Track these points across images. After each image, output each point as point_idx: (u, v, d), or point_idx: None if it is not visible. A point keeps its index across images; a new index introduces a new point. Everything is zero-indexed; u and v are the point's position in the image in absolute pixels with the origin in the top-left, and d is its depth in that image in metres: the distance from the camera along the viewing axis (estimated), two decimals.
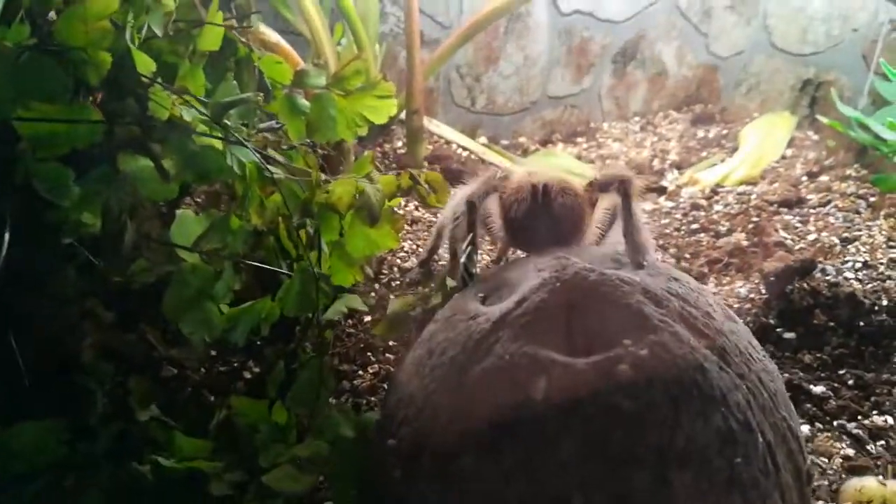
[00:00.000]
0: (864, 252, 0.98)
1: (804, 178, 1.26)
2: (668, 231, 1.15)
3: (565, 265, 0.57)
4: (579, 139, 1.64)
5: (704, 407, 0.50)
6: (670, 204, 1.23)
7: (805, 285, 0.91)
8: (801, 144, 1.42)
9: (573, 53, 1.61)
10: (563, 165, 1.49)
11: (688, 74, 1.62)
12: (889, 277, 0.93)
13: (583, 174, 1.47)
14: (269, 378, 0.75)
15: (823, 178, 1.24)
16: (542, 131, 1.70)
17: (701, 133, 1.52)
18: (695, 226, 1.15)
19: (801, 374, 0.85)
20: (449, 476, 0.51)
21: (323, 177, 0.83)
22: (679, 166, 1.45)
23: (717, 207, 1.17)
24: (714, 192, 1.23)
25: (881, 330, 0.88)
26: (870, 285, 0.92)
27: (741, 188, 1.22)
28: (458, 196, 0.88)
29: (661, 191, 1.31)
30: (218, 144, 0.74)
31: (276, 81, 0.97)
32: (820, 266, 0.94)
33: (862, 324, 0.89)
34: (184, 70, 0.81)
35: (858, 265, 0.96)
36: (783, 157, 1.37)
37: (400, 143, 1.37)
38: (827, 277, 0.92)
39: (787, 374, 0.84)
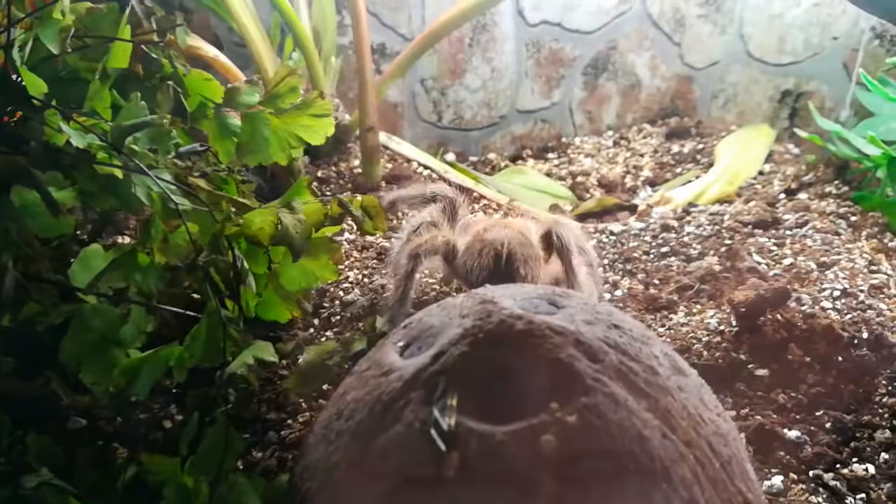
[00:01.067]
0: (844, 278, 0.91)
1: (782, 196, 1.20)
2: (636, 255, 1.09)
3: (490, 311, 0.50)
4: (550, 155, 1.57)
5: (643, 484, 0.43)
6: (640, 225, 1.16)
7: (779, 316, 0.85)
8: (781, 159, 1.36)
9: (542, 66, 1.55)
10: (532, 184, 1.43)
11: (661, 86, 1.57)
12: (870, 307, 0.87)
13: (554, 193, 1.42)
14: (182, 432, 0.68)
15: (802, 195, 1.18)
16: (513, 147, 1.64)
17: (676, 148, 1.46)
18: (665, 249, 1.08)
19: (775, 416, 0.78)
20: None
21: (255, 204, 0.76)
22: (653, 183, 1.39)
23: (689, 229, 1.11)
24: (686, 211, 1.17)
25: (861, 366, 0.81)
26: (849, 316, 0.86)
27: (714, 208, 1.16)
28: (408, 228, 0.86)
29: (632, 210, 1.25)
30: (118, 173, 0.67)
31: (207, 100, 0.91)
32: (795, 295, 0.88)
33: (840, 359, 0.82)
34: (92, 90, 0.74)
35: (837, 293, 0.89)
36: (761, 173, 1.31)
37: (357, 162, 1.30)
38: (802, 307, 0.86)
39: (759, 417, 0.77)
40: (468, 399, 0.46)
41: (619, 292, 1.02)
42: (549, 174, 1.49)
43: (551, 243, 0.84)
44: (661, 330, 0.92)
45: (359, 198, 0.77)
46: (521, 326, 0.49)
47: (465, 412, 0.45)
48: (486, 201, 1.27)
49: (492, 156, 1.62)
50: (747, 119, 1.56)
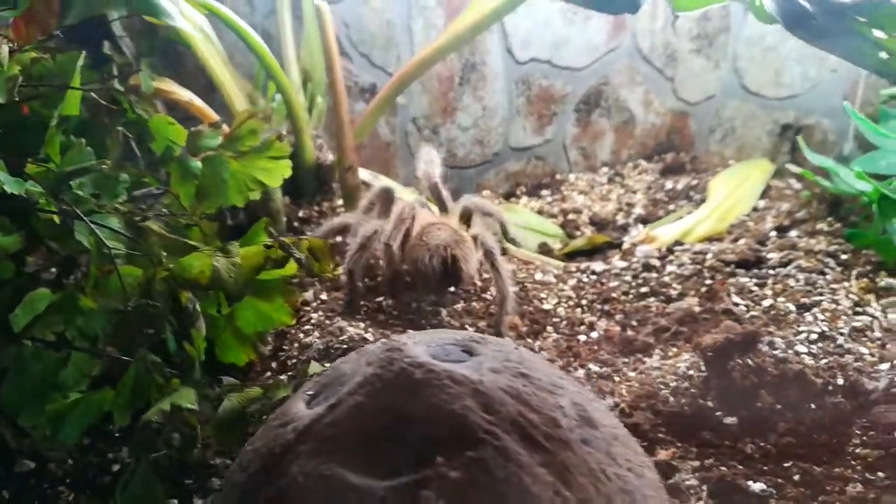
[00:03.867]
0: (823, 321, 0.88)
1: (772, 234, 1.17)
2: (615, 295, 1.07)
3: (392, 360, 0.49)
4: (544, 192, 1.57)
5: None
6: (622, 264, 1.14)
7: (749, 361, 0.82)
8: (778, 195, 1.33)
9: (533, 103, 1.55)
10: (523, 222, 1.42)
11: (656, 121, 1.55)
12: (848, 351, 0.84)
13: (545, 231, 1.41)
14: (120, 480, 0.68)
15: (793, 233, 1.15)
16: (507, 184, 1.63)
17: (670, 184, 1.44)
18: (644, 289, 1.06)
19: (740, 467, 0.75)
20: None
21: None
22: (645, 220, 1.37)
23: (671, 268, 1.08)
24: (670, 250, 1.14)
25: (835, 414, 0.78)
26: (825, 360, 0.83)
27: (699, 246, 1.13)
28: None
29: (621, 248, 1.23)
30: (56, 219, 0.69)
31: (173, 143, 0.93)
32: (768, 339, 0.85)
33: (814, 406, 0.79)
34: (48, 136, 0.77)
35: (814, 336, 0.86)
36: (755, 210, 1.28)
37: (340, 202, 1.31)
38: (775, 352, 0.83)
39: (724, 468, 0.74)
40: (357, 451, 0.45)
41: (594, 334, 1.00)
42: (540, 212, 1.48)
43: (466, 216, 1.06)
44: (632, 374, 0.90)
45: (305, 240, 0.77)
46: (420, 375, 0.48)
47: (345, 465, 0.44)
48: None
49: (486, 193, 1.62)
50: (747, 153, 1.53)
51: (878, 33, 0.63)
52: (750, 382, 0.81)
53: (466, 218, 1.07)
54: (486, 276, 1.09)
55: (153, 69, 1.21)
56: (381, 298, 1.04)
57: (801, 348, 0.84)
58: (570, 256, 1.31)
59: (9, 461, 0.75)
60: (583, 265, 1.18)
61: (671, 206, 1.38)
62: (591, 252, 1.32)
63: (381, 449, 0.45)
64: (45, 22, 1.21)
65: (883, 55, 0.62)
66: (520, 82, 1.54)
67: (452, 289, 1.05)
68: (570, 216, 1.44)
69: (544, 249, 1.34)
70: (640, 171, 1.53)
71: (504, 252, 1.21)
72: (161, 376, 0.64)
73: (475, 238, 1.01)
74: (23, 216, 0.72)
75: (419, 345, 0.52)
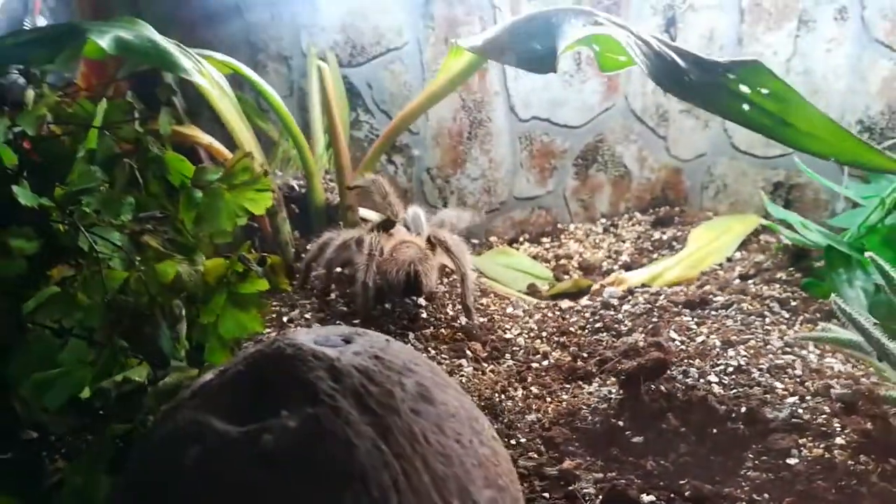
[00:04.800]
0: (744, 357, 0.92)
1: (736, 281, 1.21)
2: (573, 329, 1.14)
3: (275, 341, 0.60)
4: (544, 239, 1.65)
5: (338, 482, 0.50)
6: (587, 303, 1.21)
7: (661, 387, 0.88)
8: (758, 247, 1.37)
9: (535, 157, 1.66)
10: (515, 264, 1.51)
11: (651, 177, 1.62)
12: (759, 384, 0.88)
13: (535, 273, 1.49)
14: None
15: (753, 280, 1.19)
16: (513, 231, 1.73)
17: (657, 235, 1.50)
18: (599, 325, 1.13)
19: (638, 481, 0.80)
20: None
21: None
22: (629, 267, 1.43)
23: (626, 307, 1.15)
24: (630, 291, 1.20)
25: (734, 439, 0.82)
26: (734, 391, 0.87)
27: (655, 289, 1.19)
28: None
29: (587, 291, 1.30)
30: (62, 228, 0.84)
31: (183, 176, 1.08)
32: (683, 369, 0.90)
33: (715, 431, 0.83)
34: (76, 166, 0.93)
35: (731, 369, 0.90)
36: (729, 260, 1.32)
37: None
38: (687, 380, 0.88)
39: (623, 481, 0.80)
40: (224, 405, 0.55)
41: (546, 362, 1.07)
42: (535, 256, 1.56)
43: (434, 242, 1.19)
44: (565, 397, 0.97)
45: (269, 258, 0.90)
46: (290, 352, 0.58)
47: (215, 414, 0.54)
48: None
49: (493, 238, 1.72)
50: (740, 209, 1.57)
51: (743, 88, 0.71)
52: (659, 406, 0.86)
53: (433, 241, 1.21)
54: (458, 307, 1.18)
55: (190, 118, 1.40)
56: (356, 321, 1.15)
57: (714, 378, 0.89)
58: (555, 297, 1.38)
59: (15, 429, 0.89)
60: (552, 303, 1.25)
61: (654, 255, 1.44)
62: (576, 294, 1.39)
63: (244, 404, 0.55)
64: (110, 74, 1.42)
65: (745, 107, 0.70)
66: (523, 138, 1.65)
67: (414, 300, 1.20)
68: (562, 261, 1.52)
69: (532, 290, 1.42)
70: (634, 223, 1.59)
71: (482, 288, 1.31)
72: (127, 359, 0.76)
73: (431, 238, 1.19)
74: (41, 226, 0.88)
75: (308, 334, 0.63)
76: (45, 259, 0.89)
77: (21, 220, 0.86)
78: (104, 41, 0.98)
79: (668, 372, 0.89)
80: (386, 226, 1.25)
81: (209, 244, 1.03)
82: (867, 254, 0.89)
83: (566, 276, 1.46)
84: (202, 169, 1.06)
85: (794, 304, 1.09)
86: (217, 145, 1.25)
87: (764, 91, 0.70)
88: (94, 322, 0.86)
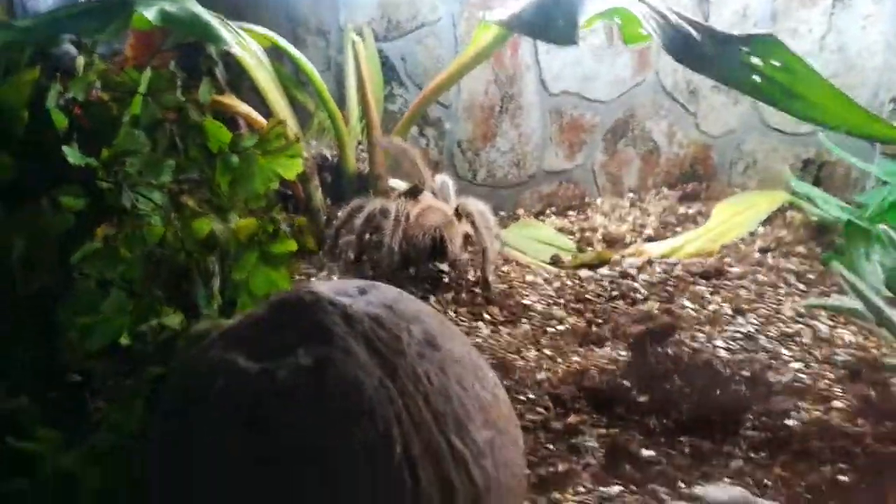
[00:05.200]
0: (754, 324, 0.94)
1: (756, 255, 1.22)
2: (589, 297, 1.17)
3: (297, 290, 0.65)
4: (571, 212, 1.67)
5: (347, 416, 0.55)
6: (606, 272, 1.24)
7: (669, 350, 0.90)
8: (781, 222, 1.37)
9: (565, 131, 1.67)
10: (539, 236, 1.54)
11: (680, 153, 1.62)
12: (766, 350, 0.90)
13: (558, 245, 1.51)
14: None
15: (773, 254, 1.20)
16: (540, 204, 1.75)
17: (682, 209, 1.51)
18: (615, 293, 1.15)
19: (640, 437, 0.83)
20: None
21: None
22: (652, 240, 1.44)
23: (643, 276, 1.17)
24: (649, 262, 1.22)
25: (735, 400, 0.84)
26: (740, 356, 0.89)
27: (672, 259, 1.21)
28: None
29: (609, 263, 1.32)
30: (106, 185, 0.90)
31: (221, 142, 1.14)
32: (691, 333, 0.93)
33: (718, 392, 0.86)
34: (122, 130, 0.99)
35: (738, 336, 0.93)
36: (751, 234, 1.33)
37: None
38: (694, 344, 0.91)
39: (625, 437, 0.83)
40: (247, 344, 0.61)
41: (561, 327, 1.11)
42: (561, 229, 1.58)
43: (461, 213, 1.22)
44: (575, 359, 1.00)
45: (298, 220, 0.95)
46: (308, 298, 0.63)
47: (240, 353, 0.60)
48: None
49: (521, 211, 1.75)
50: (770, 186, 1.57)
51: (755, 61, 0.72)
52: (664, 368, 0.89)
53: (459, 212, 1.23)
54: (477, 273, 1.22)
55: (231, 89, 1.46)
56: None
57: (720, 343, 0.91)
58: (578, 268, 1.41)
59: (63, 372, 0.96)
60: (572, 272, 1.28)
61: (678, 229, 1.45)
62: (598, 265, 1.42)
63: (266, 345, 0.60)
64: (156, 45, 1.49)
65: (756, 79, 0.72)
66: (553, 112, 1.66)
67: (437, 265, 1.24)
68: (587, 233, 1.54)
69: (555, 260, 1.44)
70: (661, 198, 1.60)
71: (502, 255, 1.34)
72: (163, 308, 0.82)
73: (458, 209, 1.22)
74: (89, 185, 0.94)
75: (327, 285, 0.67)
76: (91, 215, 0.96)
77: (70, 179, 0.93)
78: (150, 13, 1.03)
79: (677, 336, 0.92)
80: (413, 192, 1.29)
81: (243, 206, 1.09)
82: (881, 226, 0.90)
83: (589, 248, 1.48)
84: (238, 136, 1.12)
85: (810, 277, 1.10)
86: (254, 114, 1.31)
87: (776, 63, 0.71)
88: (134, 274, 0.93)
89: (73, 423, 0.91)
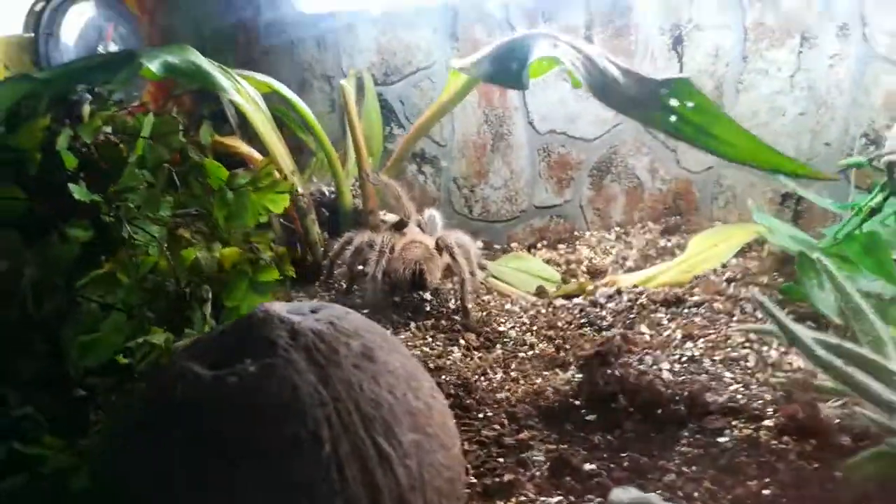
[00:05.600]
0: (701, 349, 0.99)
1: (723, 285, 1.27)
2: (560, 324, 1.23)
3: (256, 309, 0.73)
4: (561, 245, 1.74)
5: (282, 416, 0.62)
6: (578, 301, 1.30)
7: (616, 372, 0.96)
8: (754, 255, 1.42)
9: (553, 168, 1.75)
10: (525, 267, 1.60)
11: (663, 188, 1.68)
12: (707, 373, 0.95)
13: (544, 276, 1.58)
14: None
15: (736, 283, 1.25)
16: (533, 237, 1.82)
17: (663, 242, 1.56)
18: (584, 320, 1.21)
19: (584, 452, 0.89)
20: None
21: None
22: (631, 271, 1.50)
23: (611, 305, 1.23)
24: (619, 292, 1.28)
25: (674, 419, 0.89)
26: (683, 377, 0.94)
27: (639, 289, 1.26)
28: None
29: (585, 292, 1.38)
30: (108, 220, 1.00)
31: (220, 180, 1.24)
32: (639, 356, 0.98)
33: (659, 411, 0.91)
34: (127, 170, 1.10)
35: (684, 359, 0.98)
36: (724, 266, 1.38)
37: None
38: (640, 367, 0.96)
39: (571, 452, 0.89)
40: (205, 355, 0.69)
41: (531, 352, 1.17)
42: (549, 261, 1.65)
43: (440, 246, 1.31)
44: (538, 381, 1.06)
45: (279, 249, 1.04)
46: (262, 316, 0.71)
47: (198, 362, 0.68)
48: None
49: (514, 244, 1.82)
50: (749, 219, 1.61)
51: (673, 102, 0.80)
52: (612, 388, 0.95)
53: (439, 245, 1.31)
54: (457, 302, 1.29)
55: (241, 131, 1.58)
56: (365, 311, 1.28)
57: (666, 366, 0.96)
58: (561, 298, 1.47)
59: (68, 387, 1.06)
60: (548, 301, 1.34)
61: (658, 261, 1.50)
62: (579, 295, 1.47)
63: (220, 354, 0.68)
64: (171, 90, 1.62)
65: (673, 119, 0.79)
66: (541, 150, 1.75)
67: (421, 294, 1.33)
68: (572, 265, 1.60)
69: (540, 291, 1.51)
70: (645, 231, 1.66)
71: (485, 284, 1.41)
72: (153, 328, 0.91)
73: (438, 242, 1.30)
74: (95, 220, 1.05)
75: (284, 306, 0.75)
76: (97, 246, 1.06)
77: (78, 214, 1.03)
78: (154, 65, 1.14)
79: (625, 359, 0.97)
80: (399, 226, 1.37)
81: (240, 237, 1.19)
82: (815, 256, 0.95)
83: (573, 280, 1.54)
84: (234, 174, 1.22)
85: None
86: (255, 154, 1.41)
87: (690, 104, 0.78)
88: (133, 299, 1.02)
89: (76, 432, 1.00)
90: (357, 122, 1.46)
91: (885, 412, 0.76)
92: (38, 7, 1.42)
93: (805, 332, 0.79)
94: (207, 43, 1.85)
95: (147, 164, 1.14)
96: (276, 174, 1.15)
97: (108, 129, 1.11)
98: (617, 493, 0.65)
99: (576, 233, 1.77)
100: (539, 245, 1.78)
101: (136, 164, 1.12)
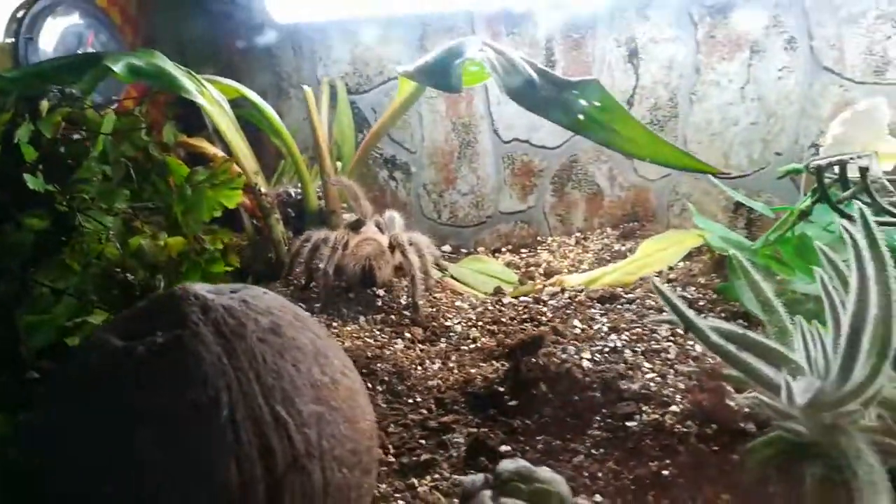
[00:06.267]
0: (623, 340, 1.02)
1: (665, 284, 1.30)
2: (504, 319, 1.26)
3: (173, 288, 0.77)
4: (524, 250, 1.77)
5: (185, 382, 0.65)
6: (525, 299, 1.33)
7: (539, 361, 0.99)
8: (702, 259, 1.44)
9: (517, 175, 1.79)
10: (484, 269, 1.63)
11: (621, 195, 1.71)
12: (626, 362, 0.97)
13: (501, 278, 1.61)
14: None
15: (674, 283, 1.28)
16: (498, 242, 1.86)
17: (618, 247, 1.59)
18: (526, 316, 1.24)
19: (503, 435, 0.92)
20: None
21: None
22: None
23: (552, 302, 1.26)
24: (562, 290, 1.31)
25: (589, 404, 0.92)
26: (602, 367, 0.97)
27: (581, 288, 1.29)
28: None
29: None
30: (62, 209, 1.05)
31: (181, 177, 1.29)
32: (563, 346, 1.01)
33: (576, 398, 0.94)
34: (84, 164, 1.14)
35: (606, 350, 1.00)
36: (671, 268, 1.40)
37: None
38: (563, 356, 0.99)
39: (490, 435, 0.91)
40: (124, 328, 0.72)
41: (473, 345, 1.20)
42: (509, 264, 1.68)
43: (394, 244, 1.35)
44: (472, 370, 1.08)
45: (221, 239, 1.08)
46: (179, 293, 0.74)
47: (114, 334, 0.71)
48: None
49: (481, 249, 1.85)
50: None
51: (582, 102, 0.83)
52: (534, 376, 0.97)
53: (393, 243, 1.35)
54: (408, 299, 1.33)
55: (212, 133, 1.62)
56: (318, 304, 1.31)
57: (587, 356, 0.99)
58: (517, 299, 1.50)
59: (20, 369, 1.09)
60: (495, 298, 1.37)
61: (611, 264, 1.53)
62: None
63: (136, 327, 0.72)
64: (148, 91, 1.66)
65: (581, 117, 0.82)
66: (505, 158, 1.78)
67: (374, 290, 1.36)
68: (531, 268, 1.63)
69: (497, 291, 1.54)
70: (603, 237, 1.69)
71: (441, 282, 1.44)
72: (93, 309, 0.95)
73: (391, 240, 1.33)
74: (53, 210, 1.09)
75: (205, 287, 0.79)
76: (53, 235, 1.10)
77: (37, 205, 1.08)
78: (117, 67, 1.18)
79: (549, 349, 1.00)
80: (356, 225, 1.41)
81: (199, 231, 1.23)
82: (731, 252, 0.98)
83: (530, 281, 1.57)
84: (194, 171, 1.27)
85: (701, 304, 1.17)
86: (220, 154, 1.46)
87: (597, 104, 0.82)
88: (83, 285, 1.06)
89: (22, 409, 1.03)
90: (319, 125, 1.50)
91: (777, 395, 0.78)
92: (20, 14, 1.48)
93: (701, 320, 0.82)
94: (188, 52, 1.90)
95: (110, 160, 1.18)
96: (236, 172, 1.20)
97: (74, 126, 1.16)
98: (505, 463, 0.68)
99: (538, 238, 1.80)
100: (503, 249, 1.81)
101: (98, 158, 1.16)
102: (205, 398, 0.65)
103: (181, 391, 0.65)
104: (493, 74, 0.87)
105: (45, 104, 1.07)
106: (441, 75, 0.99)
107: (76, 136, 1.19)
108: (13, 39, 1.46)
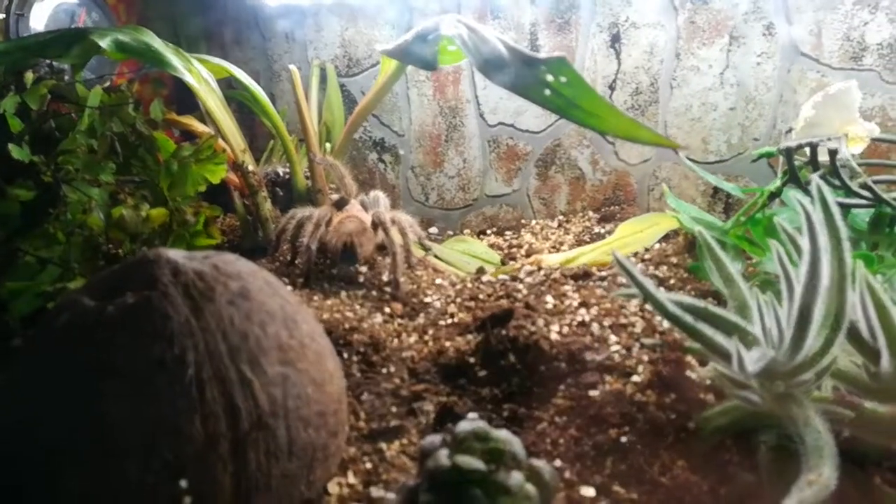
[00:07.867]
0: (593, 315, 1.03)
1: (639, 265, 1.30)
2: (480, 296, 1.26)
3: (146, 252, 0.77)
4: (508, 232, 1.78)
5: (152, 340, 0.66)
6: (503, 277, 1.33)
7: (509, 333, 1.00)
8: (678, 240, 1.45)
9: (502, 159, 1.79)
10: (468, 250, 1.64)
11: (603, 179, 1.72)
12: (593, 335, 0.98)
13: (484, 258, 1.62)
14: None
15: (648, 263, 1.28)
16: (484, 224, 1.86)
17: (598, 229, 1.60)
18: (502, 293, 1.25)
19: (471, 403, 0.93)
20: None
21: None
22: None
23: (528, 280, 1.26)
24: (539, 268, 1.32)
25: (555, 375, 0.93)
26: (569, 339, 0.98)
27: (556, 266, 1.30)
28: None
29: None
30: (48, 179, 1.05)
31: (167, 152, 1.29)
32: (533, 320, 1.02)
33: (543, 368, 0.95)
34: (70, 137, 1.15)
35: (575, 324, 1.01)
36: (646, 249, 1.41)
37: None
38: (532, 328, 1.00)
39: (459, 403, 0.93)
40: (95, 289, 0.73)
41: (450, 321, 1.20)
42: (493, 245, 1.69)
43: (376, 222, 1.34)
44: (447, 343, 1.09)
45: (204, 212, 1.09)
46: (151, 257, 0.75)
47: (87, 295, 0.72)
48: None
49: (467, 231, 1.86)
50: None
51: (549, 77, 0.84)
52: (503, 347, 0.98)
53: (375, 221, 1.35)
54: (389, 275, 1.33)
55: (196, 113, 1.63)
56: (301, 279, 1.32)
57: (556, 328, 1.00)
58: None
59: (7, 336, 1.10)
60: (475, 276, 1.38)
61: (589, 245, 1.53)
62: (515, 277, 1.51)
63: (109, 289, 0.72)
64: (141, 67, 1.66)
65: (547, 92, 0.83)
66: (491, 141, 1.79)
67: (356, 266, 1.36)
68: (514, 249, 1.64)
69: (479, 271, 1.55)
70: (584, 220, 1.69)
71: (423, 261, 1.45)
72: (76, 276, 0.96)
73: (374, 218, 1.34)
74: (40, 180, 1.10)
75: (179, 253, 0.80)
76: (39, 205, 1.11)
77: (25, 175, 1.08)
78: (104, 42, 1.18)
79: (519, 322, 1.01)
80: (340, 204, 1.42)
81: (182, 203, 1.24)
82: (697, 230, 0.99)
83: (512, 262, 1.58)
84: (180, 146, 1.27)
85: (672, 282, 1.18)
86: (209, 131, 1.46)
87: (563, 79, 0.82)
88: (69, 254, 1.07)
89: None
90: (305, 104, 1.51)
91: (728, 363, 0.79)
92: None
93: (660, 292, 0.82)
94: (181, 33, 1.90)
95: (97, 134, 1.18)
96: (220, 148, 1.20)
97: (64, 100, 1.16)
98: (462, 424, 0.69)
99: (522, 220, 1.81)
100: (488, 231, 1.82)
101: (85, 132, 1.16)
102: (171, 356, 0.66)
103: (148, 349, 0.66)
104: (464, 49, 0.87)
105: (29, 76, 1.07)
106: (418, 52, 0.99)
107: (62, 110, 1.19)
108: (4, 16, 1.46)
